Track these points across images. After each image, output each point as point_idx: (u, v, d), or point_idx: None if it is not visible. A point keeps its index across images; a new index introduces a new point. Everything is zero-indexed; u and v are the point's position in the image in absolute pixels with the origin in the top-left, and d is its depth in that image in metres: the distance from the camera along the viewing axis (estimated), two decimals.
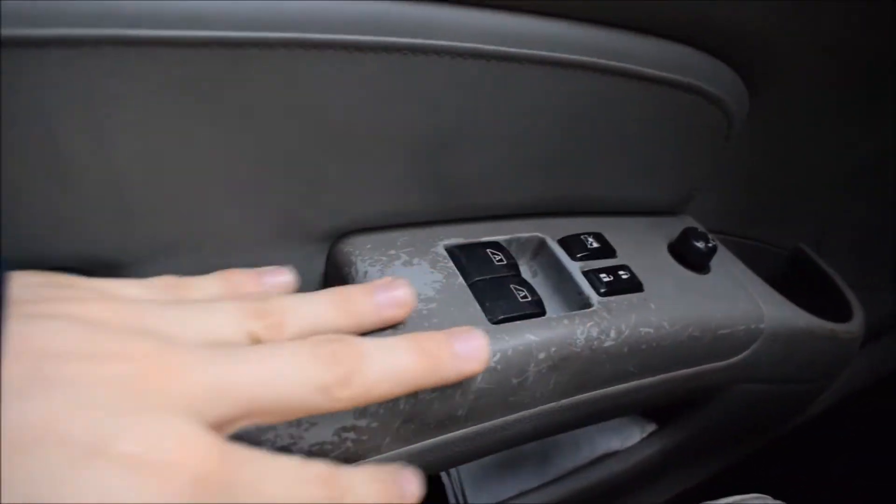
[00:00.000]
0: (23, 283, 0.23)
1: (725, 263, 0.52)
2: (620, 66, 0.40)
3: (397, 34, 0.33)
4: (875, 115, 0.58)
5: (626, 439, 0.58)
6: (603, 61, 0.39)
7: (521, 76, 0.38)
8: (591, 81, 0.40)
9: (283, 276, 0.33)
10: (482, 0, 0.34)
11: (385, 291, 0.32)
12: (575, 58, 0.38)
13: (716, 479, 0.75)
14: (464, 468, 0.58)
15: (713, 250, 0.49)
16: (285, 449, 0.31)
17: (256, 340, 0.27)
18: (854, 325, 0.59)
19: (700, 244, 0.49)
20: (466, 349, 0.31)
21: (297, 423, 0.31)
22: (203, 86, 0.30)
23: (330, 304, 0.30)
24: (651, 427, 0.60)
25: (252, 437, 0.30)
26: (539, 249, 0.46)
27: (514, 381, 0.37)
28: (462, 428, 0.37)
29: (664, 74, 0.42)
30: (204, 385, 0.23)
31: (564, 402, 0.41)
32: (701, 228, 0.51)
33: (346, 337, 0.28)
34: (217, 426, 0.24)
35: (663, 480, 0.68)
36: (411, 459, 0.36)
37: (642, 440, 0.59)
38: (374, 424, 0.33)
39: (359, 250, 0.40)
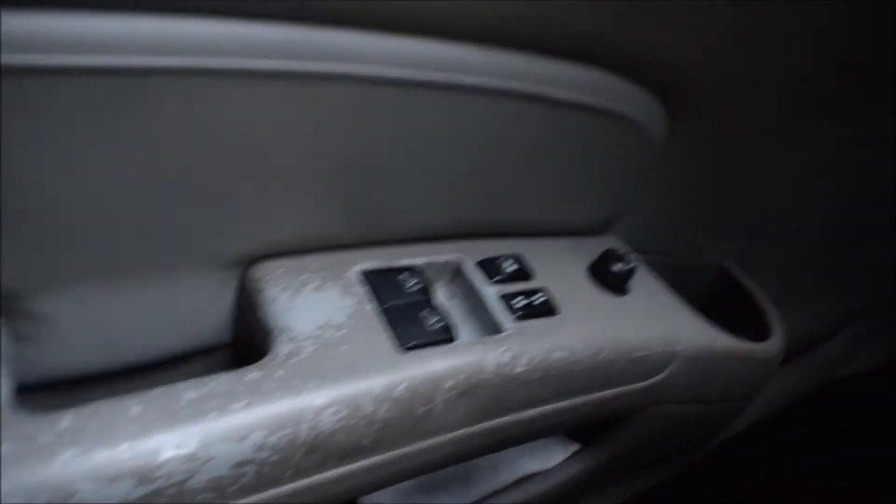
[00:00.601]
0: None
1: (645, 284, 0.53)
2: (534, 91, 0.40)
3: (301, 59, 0.32)
4: (799, 137, 0.59)
5: (548, 459, 0.59)
6: (515, 86, 0.40)
7: (432, 101, 0.37)
8: (505, 106, 0.40)
9: None
10: (388, 24, 0.34)
11: None
12: (487, 83, 0.38)
13: (640, 499, 0.75)
14: (380, 492, 0.57)
15: (631, 272, 0.50)
16: (180, 485, 0.30)
17: None
18: (771, 344, 0.60)
19: (618, 266, 0.49)
20: None
21: (192, 457, 0.30)
22: (101, 112, 0.30)
23: None
24: (574, 446, 0.60)
25: (146, 470, 0.29)
26: (457, 273, 0.45)
27: (422, 409, 0.37)
28: (368, 458, 0.37)
29: (579, 99, 0.43)
30: None
31: (476, 428, 0.41)
32: (621, 250, 0.51)
33: None
34: None
35: (587, 501, 0.68)
36: (315, 491, 0.35)
37: (565, 460, 0.59)
38: (275, 457, 0.32)
39: (270, 276, 0.40)
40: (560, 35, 0.40)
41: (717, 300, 0.68)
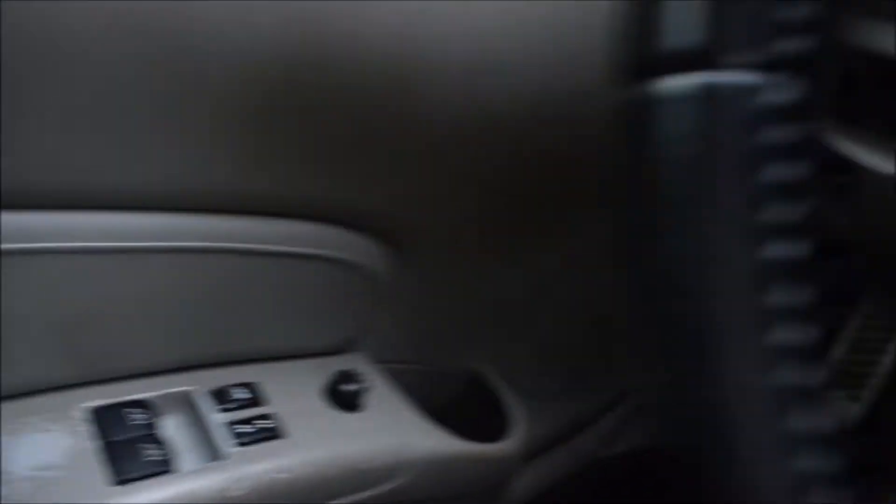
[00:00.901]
0: None
1: (381, 399, 0.58)
2: (250, 248, 0.46)
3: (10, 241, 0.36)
4: (531, 246, 0.67)
5: None
6: (234, 245, 0.45)
7: (149, 263, 0.42)
8: (226, 261, 0.45)
9: None
10: (103, 203, 0.39)
11: None
12: (201, 244, 0.43)
13: None
14: None
15: (362, 391, 0.55)
16: None
17: None
18: (507, 444, 0.66)
19: (349, 386, 0.54)
20: None
21: None
22: None
23: None
24: None
25: None
26: (189, 403, 0.49)
27: None
28: None
29: (297, 250, 0.48)
30: None
31: None
32: (355, 369, 0.56)
33: None
34: None
35: None
36: None
37: None
38: None
39: None
40: (283, 201, 0.46)
41: (466, 402, 0.74)
